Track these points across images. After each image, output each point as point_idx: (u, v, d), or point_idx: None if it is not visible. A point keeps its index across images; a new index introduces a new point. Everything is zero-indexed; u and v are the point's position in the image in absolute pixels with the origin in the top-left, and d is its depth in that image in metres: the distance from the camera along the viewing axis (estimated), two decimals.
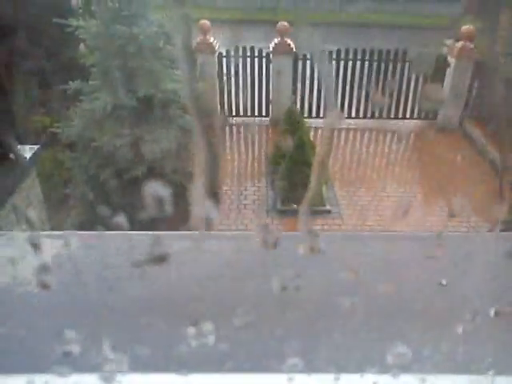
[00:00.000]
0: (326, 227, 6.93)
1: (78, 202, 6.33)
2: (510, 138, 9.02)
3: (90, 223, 5.79)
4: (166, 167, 6.08)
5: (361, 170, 8.80)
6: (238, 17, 16.20)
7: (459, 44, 9.82)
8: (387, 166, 9.31)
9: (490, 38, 10.46)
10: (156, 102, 5.96)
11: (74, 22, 5.89)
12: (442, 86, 10.18)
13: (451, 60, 9.96)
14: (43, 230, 5.91)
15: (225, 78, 9.65)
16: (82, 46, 6.52)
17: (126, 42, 5.78)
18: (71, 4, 7.98)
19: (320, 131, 9.59)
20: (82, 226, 6.09)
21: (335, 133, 9.66)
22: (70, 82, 6.01)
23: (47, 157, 6.61)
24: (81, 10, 7.29)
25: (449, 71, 10.04)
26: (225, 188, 7.52)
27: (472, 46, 9.77)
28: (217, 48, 9.54)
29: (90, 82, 6.03)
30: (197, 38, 9.28)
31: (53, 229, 6.04)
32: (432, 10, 16.51)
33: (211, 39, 9.48)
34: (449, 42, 10.23)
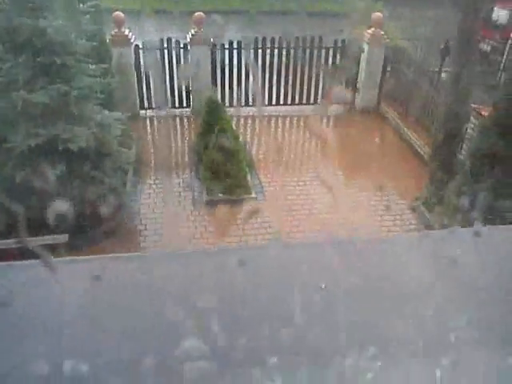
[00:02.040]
0: (252, 214, 7.02)
1: None
2: (419, 117, 9.58)
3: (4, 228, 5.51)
4: (86, 165, 5.91)
5: (284, 155, 8.97)
6: (154, 6, 15.91)
7: (370, 30, 10.24)
8: (309, 150, 9.57)
9: (397, 24, 10.96)
10: (71, 98, 5.74)
11: None
12: (358, 71, 10.58)
13: (365, 46, 10.37)
14: None
15: (142, 70, 9.45)
16: None
17: (33, 35, 5.51)
18: None
19: (242, 120, 9.68)
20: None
21: (256, 120, 9.79)
22: None
23: None
24: None
25: (363, 56, 10.44)
26: (149, 181, 7.42)
27: (382, 32, 10.22)
28: (133, 40, 9.31)
29: None
30: (111, 31, 9.01)
31: None
32: None
33: (126, 31, 9.24)
34: (361, 28, 10.63)
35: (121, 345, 0.76)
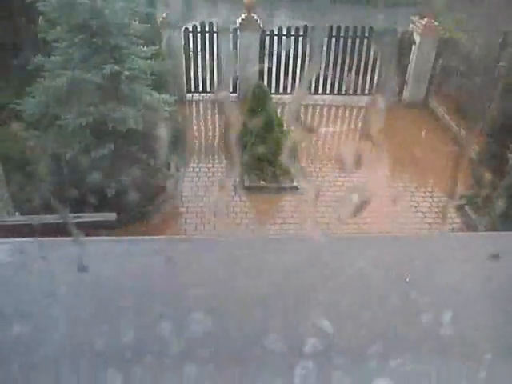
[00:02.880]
0: (293, 203, 7.02)
1: (42, 182, 6.21)
2: (470, 113, 9.27)
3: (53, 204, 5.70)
4: (133, 146, 6.03)
5: (327, 146, 8.89)
6: None
7: (423, 21, 9.95)
8: (353, 143, 9.44)
9: (454, 16, 10.59)
10: (122, 79, 5.85)
11: None
12: (408, 63, 10.32)
13: (416, 37, 10.09)
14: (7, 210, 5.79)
15: (191, 53, 9.51)
16: (41, 19, 6.27)
17: (90, 16, 5.62)
18: None
19: (288, 107, 9.62)
20: (46, 207, 5.99)
21: (302, 109, 9.71)
22: (32, 58, 5.82)
23: (7, 134, 6.42)
24: None
25: (414, 48, 10.17)
26: (192, 165, 7.51)
27: (436, 23, 9.91)
28: (183, 23, 9.37)
29: (52, 58, 5.85)
30: (162, 14, 9.09)
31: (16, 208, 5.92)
32: None
33: (177, 14, 9.31)
34: (415, 18, 10.34)
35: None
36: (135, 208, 5.95)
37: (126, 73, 5.84)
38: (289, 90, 10.01)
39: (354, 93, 10.38)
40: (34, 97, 5.88)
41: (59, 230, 0.92)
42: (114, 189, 5.64)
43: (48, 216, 4.72)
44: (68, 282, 0.83)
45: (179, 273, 0.88)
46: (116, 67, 5.75)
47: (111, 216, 4.44)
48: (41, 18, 6.21)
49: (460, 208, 7.07)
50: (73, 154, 5.63)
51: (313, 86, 10.01)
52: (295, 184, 7.25)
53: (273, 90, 9.83)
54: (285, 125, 8.44)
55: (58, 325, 0.78)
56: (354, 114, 10.22)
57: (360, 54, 10.16)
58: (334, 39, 9.96)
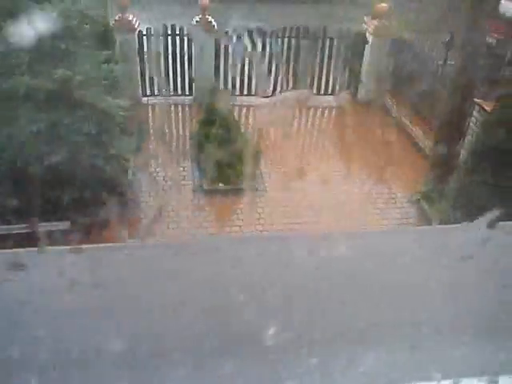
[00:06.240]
0: (253, 205, 7.05)
1: None
2: (423, 109, 9.55)
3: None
4: (88, 152, 5.90)
5: (285, 146, 8.96)
6: None
7: (375, 21, 10.16)
8: (311, 141, 9.57)
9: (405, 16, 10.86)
10: (74, 84, 5.72)
11: None
12: (362, 62, 10.52)
13: (369, 37, 10.30)
14: None
15: (146, 56, 9.40)
16: None
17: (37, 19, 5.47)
18: None
19: (244, 109, 9.65)
20: None
21: (259, 110, 9.75)
22: None
23: None
24: None
25: (367, 48, 10.38)
26: (150, 170, 7.42)
27: (387, 23, 10.14)
28: (137, 26, 9.25)
29: None
30: (115, 16, 8.95)
31: None
32: None
33: (130, 17, 9.18)
34: (367, 19, 10.54)
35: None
36: (91, 216, 5.83)
37: (78, 78, 5.72)
38: (246, 91, 10.03)
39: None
40: None
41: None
42: (68, 197, 5.52)
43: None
44: None
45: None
46: (67, 72, 5.62)
47: (64, 225, 4.34)
48: None
49: (415, 202, 7.26)
50: (24, 161, 5.46)
51: (270, 87, 10.07)
52: (255, 185, 7.29)
53: (230, 92, 9.84)
54: (242, 127, 8.48)
55: None
56: (311, 113, 10.35)
57: (315, 55, 10.28)
58: (287, 40, 10.04)
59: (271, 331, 0.78)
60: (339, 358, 0.80)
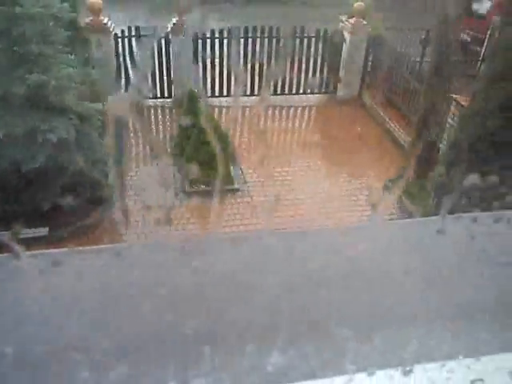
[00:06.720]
0: (235, 206, 7.04)
1: None
2: (401, 106, 9.65)
3: None
4: (66, 157, 5.84)
5: (266, 146, 8.97)
6: None
7: (352, 20, 10.23)
8: (291, 141, 9.59)
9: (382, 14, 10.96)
10: (50, 88, 5.65)
11: None
12: (340, 61, 10.58)
13: (347, 36, 10.36)
14: None
15: (121, 59, 9.33)
16: None
17: (9, 23, 5.40)
18: None
19: (224, 110, 9.63)
20: None
21: (238, 111, 9.73)
22: None
23: None
24: None
25: (345, 46, 10.44)
26: (130, 173, 7.35)
27: (364, 22, 10.22)
28: (112, 29, 9.17)
29: None
30: (87, 19, 8.82)
31: None
32: None
33: (105, 19, 9.09)
34: (344, 18, 10.61)
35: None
36: (72, 222, 5.76)
37: (53, 82, 5.65)
38: (225, 92, 10.03)
39: (290, 92, 10.52)
40: None
41: None
42: (48, 202, 5.45)
43: None
44: None
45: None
46: (42, 77, 5.55)
47: (43, 231, 4.27)
48: None
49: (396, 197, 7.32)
50: (1, 167, 5.38)
51: (247, 87, 10.07)
52: (236, 186, 7.28)
53: (209, 93, 9.82)
54: (223, 128, 8.46)
55: None
56: (291, 113, 10.39)
57: (293, 54, 10.30)
58: (266, 40, 10.06)
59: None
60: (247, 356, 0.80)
